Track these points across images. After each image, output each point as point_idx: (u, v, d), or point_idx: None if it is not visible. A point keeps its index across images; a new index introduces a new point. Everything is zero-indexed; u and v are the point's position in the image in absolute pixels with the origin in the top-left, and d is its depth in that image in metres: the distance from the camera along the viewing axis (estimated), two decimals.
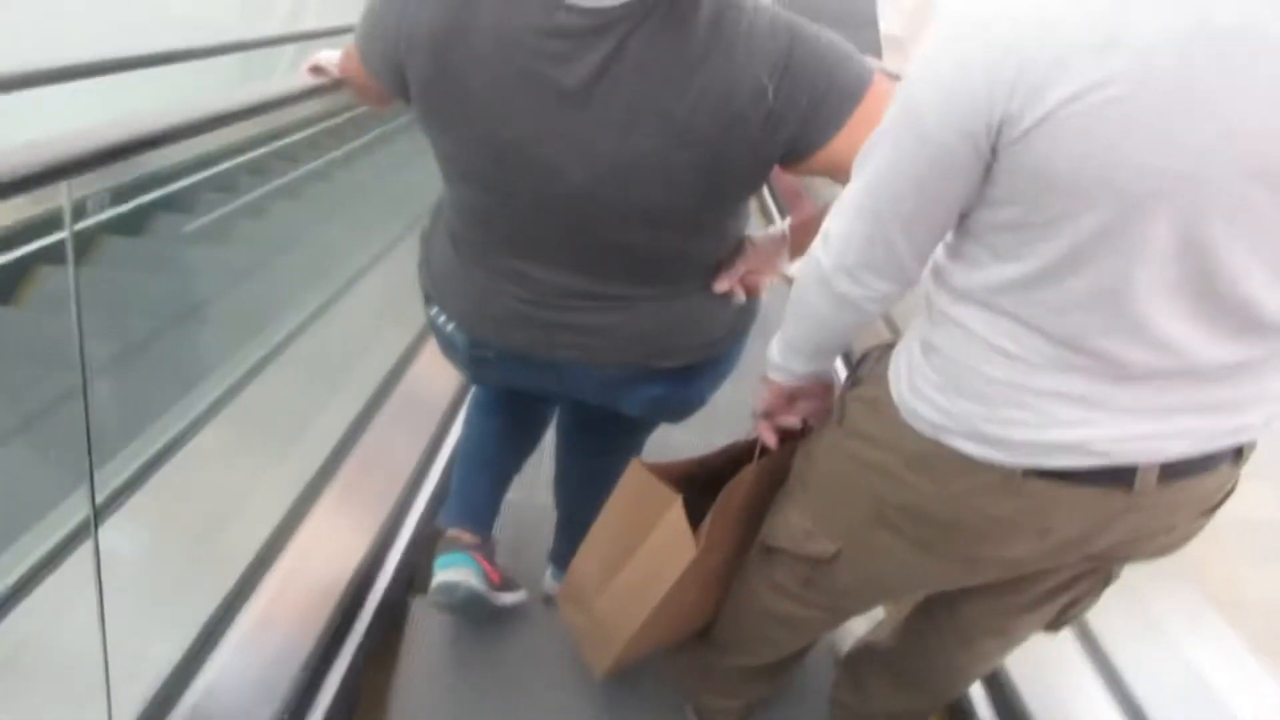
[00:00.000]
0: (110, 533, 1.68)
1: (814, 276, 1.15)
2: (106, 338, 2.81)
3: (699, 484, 1.54)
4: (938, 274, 1.11)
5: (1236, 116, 0.84)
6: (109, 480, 1.87)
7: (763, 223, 1.63)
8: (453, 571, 1.87)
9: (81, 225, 3.13)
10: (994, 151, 0.94)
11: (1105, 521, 1.13)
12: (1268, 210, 0.88)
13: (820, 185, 1.35)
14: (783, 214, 5.29)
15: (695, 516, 1.48)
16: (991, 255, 1.02)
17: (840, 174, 1.27)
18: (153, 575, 1.68)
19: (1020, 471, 1.08)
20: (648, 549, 1.56)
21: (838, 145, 1.20)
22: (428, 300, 1.55)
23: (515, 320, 1.43)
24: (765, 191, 6.05)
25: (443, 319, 1.52)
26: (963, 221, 1.04)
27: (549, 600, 2.15)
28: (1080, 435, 1.05)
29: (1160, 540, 1.20)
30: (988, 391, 1.07)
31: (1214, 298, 0.95)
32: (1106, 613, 1.45)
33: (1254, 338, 0.99)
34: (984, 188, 0.98)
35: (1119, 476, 1.07)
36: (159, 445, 1.96)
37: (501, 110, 1.20)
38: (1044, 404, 1.05)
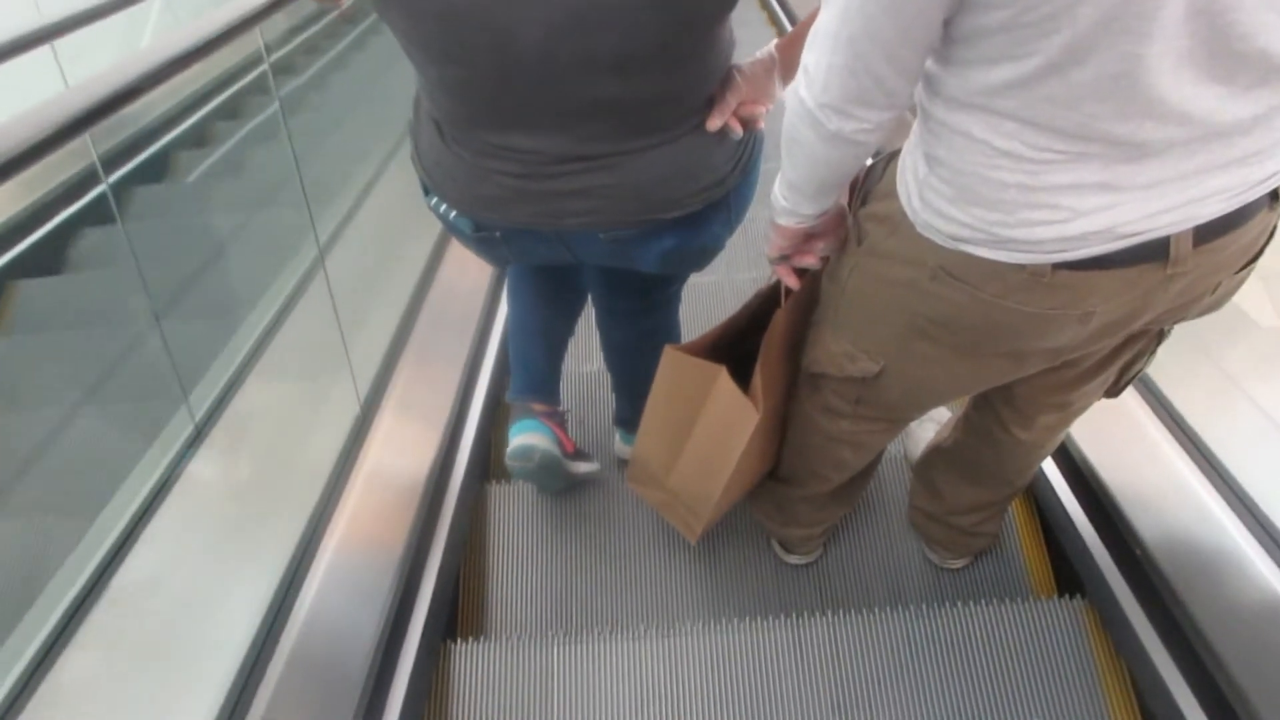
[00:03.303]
0: (197, 467, 1.77)
1: (801, 116, 1.08)
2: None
3: (732, 342, 1.54)
4: (929, 82, 1.05)
5: None
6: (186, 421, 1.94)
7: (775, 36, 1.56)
8: (527, 435, 1.91)
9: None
10: None
11: (1146, 296, 1.10)
12: None
13: None
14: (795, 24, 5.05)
15: (736, 374, 1.49)
16: (985, 58, 0.96)
17: None
18: (240, 503, 1.76)
19: (1049, 266, 1.05)
20: (707, 422, 1.58)
21: None
22: (426, 191, 1.54)
23: (511, 196, 1.42)
24: (774, 2, 5.77)
25: (443, 207, 1.51)
26: (949, 27, 0.97)
27: (623, 464, 2.20)
28: (1106, 220, 1.01)
29: (1206, 300, 1.17)
30: (1002, 197, 1.03)
31: (1230, 56, 0.89)
32: (1167, 366, 1.42)
33: (1277, 85, 0.93)
34: None
35: (1152, 251, 1.04)
36: (223, 381, 2.01)
37: None
38: (1063, 198, 1.00)
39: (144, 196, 3.27)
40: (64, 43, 1.97)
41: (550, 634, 1.82)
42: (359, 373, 2.11)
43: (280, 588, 1.55)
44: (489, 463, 2.29)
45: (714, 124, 1.38)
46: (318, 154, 3.26)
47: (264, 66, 1.30)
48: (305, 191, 1.45)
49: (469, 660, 1.73)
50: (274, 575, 1.56)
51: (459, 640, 1.78)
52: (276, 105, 1.66)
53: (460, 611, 1.95)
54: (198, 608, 1.52)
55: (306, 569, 1.60)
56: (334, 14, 3.26)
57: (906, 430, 2.12)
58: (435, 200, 1.53)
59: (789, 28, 5.53)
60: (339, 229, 2.70)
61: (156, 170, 3.36)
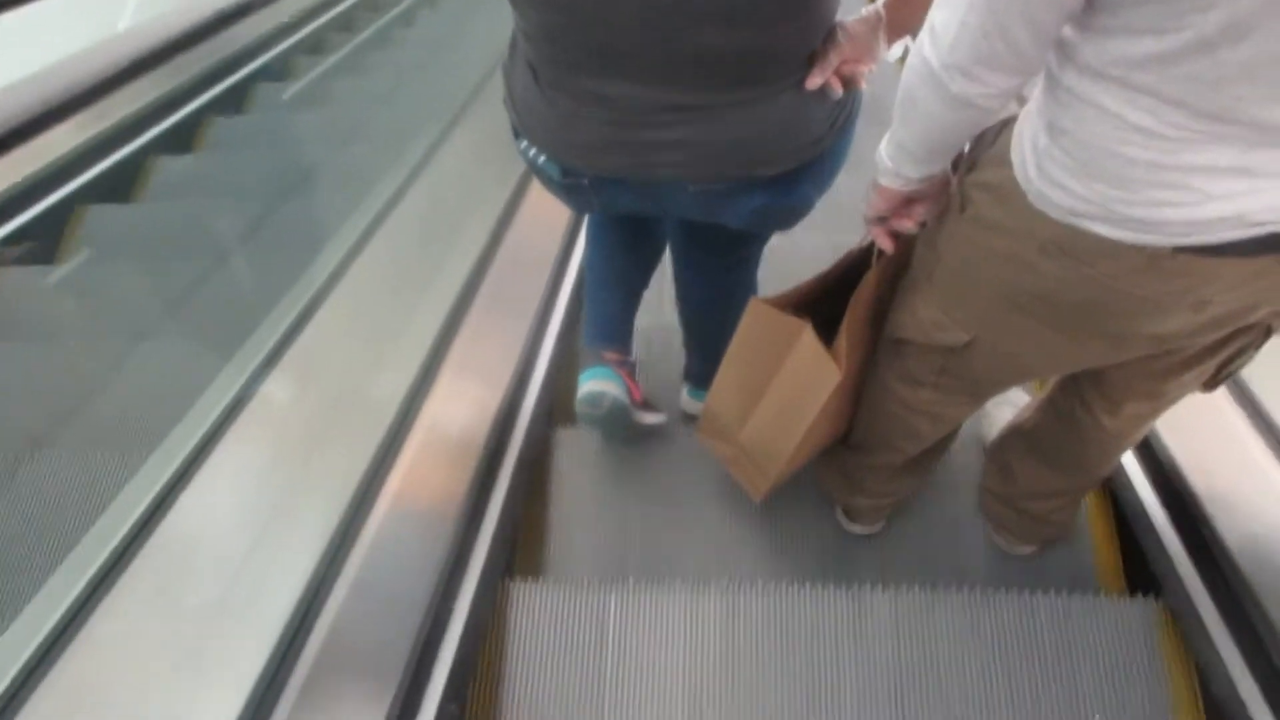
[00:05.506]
0: (264, 397, 1.79)
1: (923, 76, 1.04)
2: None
3: (817, 301, 1.51)
4: (1062, 48, 0.99)
5: None
6: (254, 353, 1.95)
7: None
8: (597, 383, 1.91)
9: None
10: None
11: (1268, 289, 1.04)
12: None
13: None
14: None
15: (820, 333, 1.46)
16: (1129, 28, 0.90)
17: None
18: (307, 437, 1.77)
19: (1170, 249, 1.00)
20: (786, 378, 1.56)
21: None
22: (516, 135, 1.53)
23: (603, 144, 1.40)
24: None
25: (533, 151, 1.50)
26: None
27: (688, 419, 2.18)
28: (1238, 207, 0.95)
29: None
30: (1128, 174, 0.97)
31: None
32: (1263, 364, 1.34)
33: None
34: None
35: None
36: (295, 313, 2.03)
37: None
38: (1193, 180, 0.95)
39: None
40: None
41: (608, 581, 1.81)
42: (431, 312, 2.11)
43: (344, 519, 1.56)
44: (555, 407, 2.28)
45: (814, 81, 1.34)
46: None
47: None
48: None
49: (527, 600, 1.73)
50: (337, 507, 1.58)
51: (517, 580, 1.79)
52: None
53: (519, 553, 1.96)
54: (261, 535, 1.54)
55: (371, 502, 1.61)
56: None
57: (983, 411, 2.06)
58: (525, 144, 1.51)
59: None
60: (421, 164, 2.71)
61: None
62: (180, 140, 3.51)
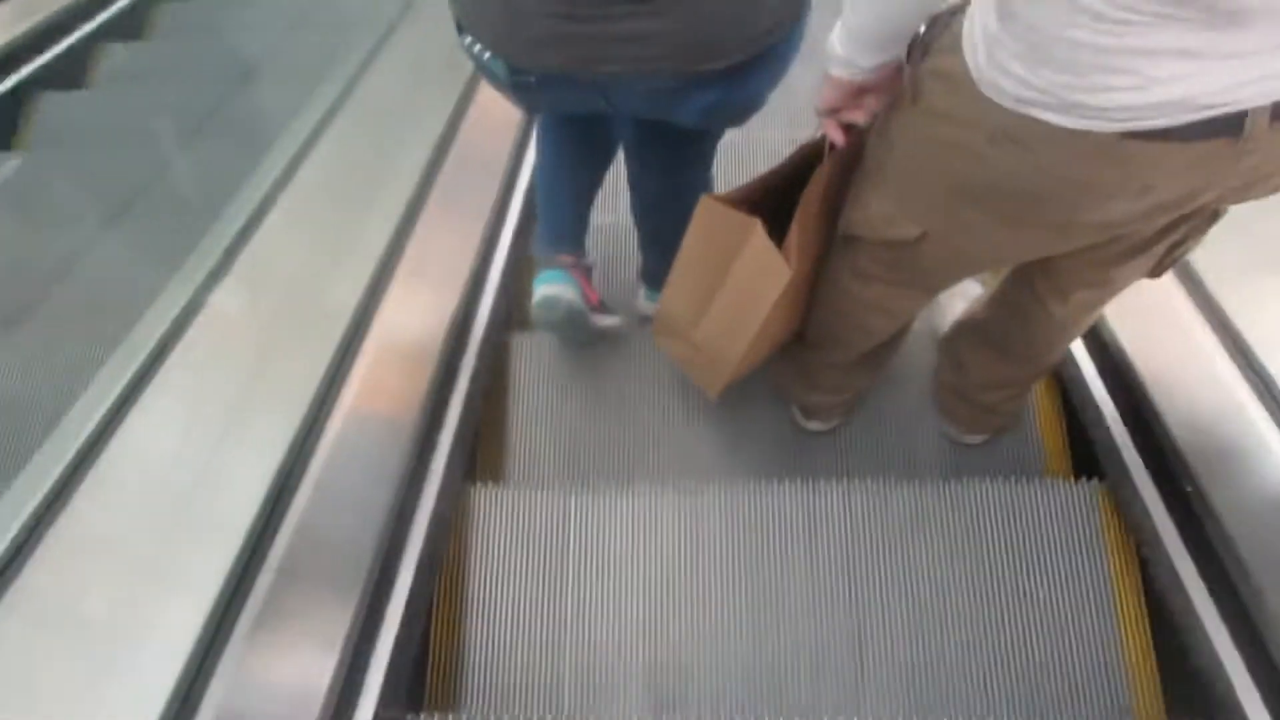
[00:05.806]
0: (217, 306, 1.76)
1: None
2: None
3: (771, 197, 1.50)
4: None
5: None
6: (204, 262, 1.92)
7: None
8: (552, 287, 1.90)
9: None
10: None
11: (1212, 173, 1.05)
12: None
13: None
14: None
15: (772, 230, 1.45)
16: None
17: None
18: (263, 344, 1.75)
19: (1116, 136, 1.00)
20: (738, 276, 1.55)
21: None
22: (460, 30, 1.49)
23: (551, 39, 1.37)
24: None
25: (478, 48, 1.46)
26: None
27: (645, 321, 2.18)
28: (1184, 91, 0.95)
29: (1274, 181, 1.12)
30: (1076, 58, 0.97)
31: None
32: (1212, 250, 1.37)
33: None
34: None
35: (1226, 125, 0.98)
36: (242, 221, 1.98)
37: None
38: (1141, 64, 0.94)
39: None
40: None
41: (568, 484, 1.83)
42: (383, 217, 2.08)
43: (303, 426, 1.55)
44: (512, 313, 2.27)
45: None
46: None
47: None
48: None
49: (489, 503, 1.75)
50: (296, 414, 1.57)
51: (479, 484, 1.80)
52: None
53: (480, 457, 1.97)
54: (220, 443, 1.53)
55: (330, 408, 1.61)
56: None
57: (936, 304, 2.09)
58: (470, 40, 1.47)
59: None
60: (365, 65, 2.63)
61: None
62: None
